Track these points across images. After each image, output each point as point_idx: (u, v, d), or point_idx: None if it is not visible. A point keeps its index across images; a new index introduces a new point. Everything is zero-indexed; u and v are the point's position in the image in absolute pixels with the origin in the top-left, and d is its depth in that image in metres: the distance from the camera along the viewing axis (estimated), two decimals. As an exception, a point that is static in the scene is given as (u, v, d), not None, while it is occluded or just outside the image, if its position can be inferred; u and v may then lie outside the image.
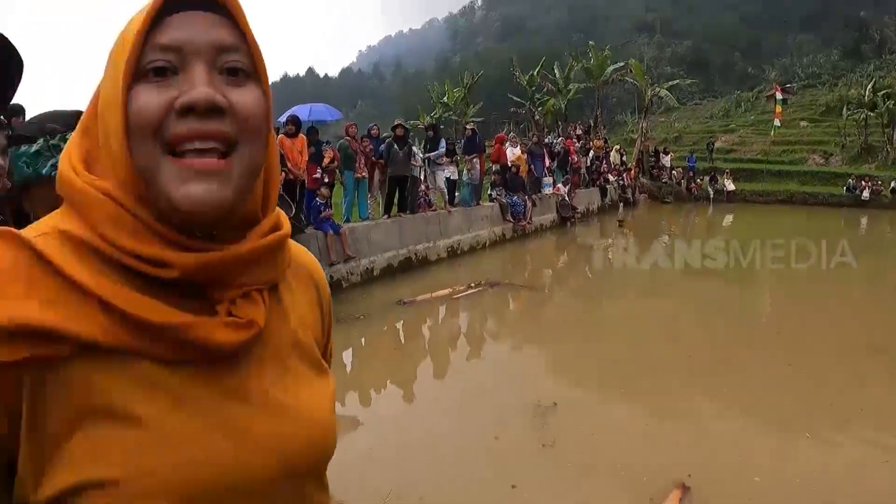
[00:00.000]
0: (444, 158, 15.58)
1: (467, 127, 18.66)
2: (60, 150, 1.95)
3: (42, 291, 0.74)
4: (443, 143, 15.97)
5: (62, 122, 1.99)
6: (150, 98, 0.77)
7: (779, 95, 35.21)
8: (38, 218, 1.96)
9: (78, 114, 2.14)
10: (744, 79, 61.52)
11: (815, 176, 32.24)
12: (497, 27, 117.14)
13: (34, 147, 1.96)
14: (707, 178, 31.19)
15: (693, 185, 31.31)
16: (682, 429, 5.65)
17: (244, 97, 0.81)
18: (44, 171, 1.95)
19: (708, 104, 54.14)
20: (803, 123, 38.74)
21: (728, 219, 25.20)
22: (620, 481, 4.62)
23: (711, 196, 30.05)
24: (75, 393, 0.75)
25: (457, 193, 16.38)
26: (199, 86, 0.78)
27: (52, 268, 0.75)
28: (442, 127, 27.05)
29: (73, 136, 0.88)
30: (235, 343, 0.82)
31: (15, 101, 2.20)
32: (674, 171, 31.85)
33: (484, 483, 4.76)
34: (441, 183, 15.59)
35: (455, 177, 16.34)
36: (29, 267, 0.75)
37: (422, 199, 14.72)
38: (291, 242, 0.98)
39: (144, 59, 0.78)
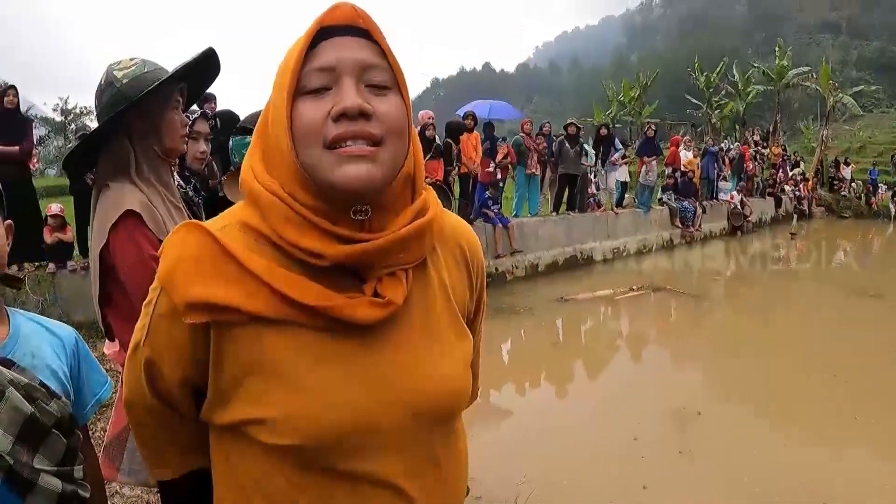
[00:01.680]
0: (619, 158, 14.97)
1: (649, 126, 17.78)
2: None
3: (225, 274, 0.94)
4: (618, 143, 15.37)
5: None
6: (310, 110, 0.93)
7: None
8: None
9: None
10: (936, 86, 56.31)
11: None
12: (674, 25, 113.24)
13: None
14: (890, 194, 27.62)
15: (873, 199, 28.06)
16: (822, 456, 5.17)
17: (386, 105, 0.95)
18: None
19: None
20: None
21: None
22: (751, 497, 4.41)
23: (893, 213, 26.46)
24: (246, 349, 0.94)
25: (626, 195, 15.83)
26: (348, 96, 0.92)
27: (232, 256, 0.94)
28: (618, 126, 26.39)
29: (252, 140, 1.04)
30: (374, 319, 0.96)
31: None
32: (853, 184, 28.76)
33: (616, 479, 4.68)
34: (612, 184, 15.03)
35: (627, 178, 15.74)
36: (214, 253, 0.95)
37: (591, 199, 14.36)
38: (448, 214, 1.14)
39: (305, 80, 0.94)
